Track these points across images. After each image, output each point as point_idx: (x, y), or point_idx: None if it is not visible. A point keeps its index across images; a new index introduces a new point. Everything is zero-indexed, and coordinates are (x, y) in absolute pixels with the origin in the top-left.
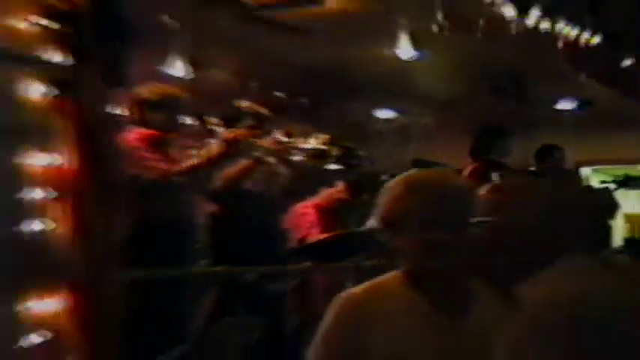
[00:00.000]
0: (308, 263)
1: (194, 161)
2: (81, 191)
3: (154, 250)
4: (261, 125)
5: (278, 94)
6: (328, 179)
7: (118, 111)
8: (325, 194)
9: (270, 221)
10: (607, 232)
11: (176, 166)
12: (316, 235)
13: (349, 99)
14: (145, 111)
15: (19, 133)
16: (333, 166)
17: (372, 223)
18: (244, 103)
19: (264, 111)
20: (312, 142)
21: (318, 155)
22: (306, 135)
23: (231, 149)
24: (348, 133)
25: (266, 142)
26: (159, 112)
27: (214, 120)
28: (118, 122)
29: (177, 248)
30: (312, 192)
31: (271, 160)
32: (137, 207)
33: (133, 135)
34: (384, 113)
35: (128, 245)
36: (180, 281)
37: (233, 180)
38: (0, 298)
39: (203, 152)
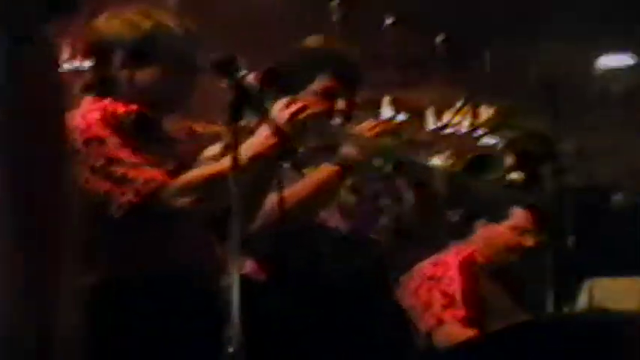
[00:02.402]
0: None
1: (214, 166)
2: None
3: (132, 339)
4: (352, 92)
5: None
6: (492, 203)
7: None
8: (485, 235)
9: (372, 294)
10: None
11: (178, 176)
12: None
13: (533, 34)
14: (120, 61)
15: None
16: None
17: None
18: (314, 40)
19: (357, 59)
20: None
21: (475, 161)
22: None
23: (292, 140)
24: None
25: (366, 126)
26: (147, 64)
27: (250, 77)
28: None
29: (178, 342)
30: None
31: (378, 167)
32: (101, 259)
33: (91, 113)
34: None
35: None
36: None
37: (297, 207)
38: None
39: (232, 146)
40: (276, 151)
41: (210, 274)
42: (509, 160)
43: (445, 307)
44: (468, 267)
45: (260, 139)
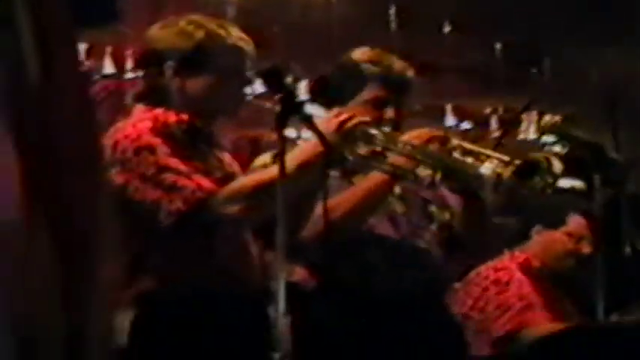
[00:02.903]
0: None
1: (262, 174)
2: None
3: (180, 347)
4: (400, 101)
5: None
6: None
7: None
8: (541, 241)
9: (423, 304)
10: None
11: (226, 185)
12: (541, 323)
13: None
14: (173, 71)
15: None
16: (565, 183)
17: None
18: (361, 52)
19: (405, 69)
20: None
21: (523, 168)
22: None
23: (339, 149)
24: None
25: (415, 135)
26: (199, 74)
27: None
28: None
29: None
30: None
31: (427, 175)
32: (147, 266)
33: (142, 122)
34: None
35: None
36: None
37: (346, 215)
38: None
39: (282, 154)
40: (322, 159)
41: (257, 282)
42: (557, 166)
43: (525, 309)
44: (529, 271)
45: (307, 147)
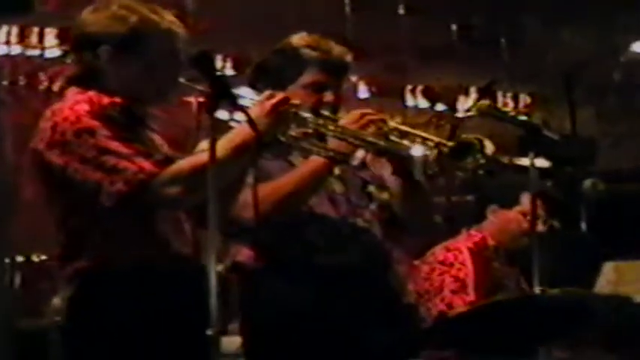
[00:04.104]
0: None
1: (201, 157)
2: None
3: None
4: (339, 84)
5: None
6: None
7: None
8: (497, 221)
9: (365, 281)
10: None
11: (167, 167)
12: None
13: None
14: (106, 55)
15: None
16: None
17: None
18: (299, 39)
19: (344, 53)
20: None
21: (457, 149)
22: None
23: (274, 129)
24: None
25: (352, 118)
26: (132, 58)
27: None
28: None
29: (167, 335)
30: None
31: (366, 157)
32: (85, 245)
33: (79, 105)
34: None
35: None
36: None
37: (285, 198)
38: None
39: (217, 138)
40: (254, 143)
41: (192, 259)
42: (489, 147)
43: (455, 292)
44: (480, 252)
45: (239, 131)
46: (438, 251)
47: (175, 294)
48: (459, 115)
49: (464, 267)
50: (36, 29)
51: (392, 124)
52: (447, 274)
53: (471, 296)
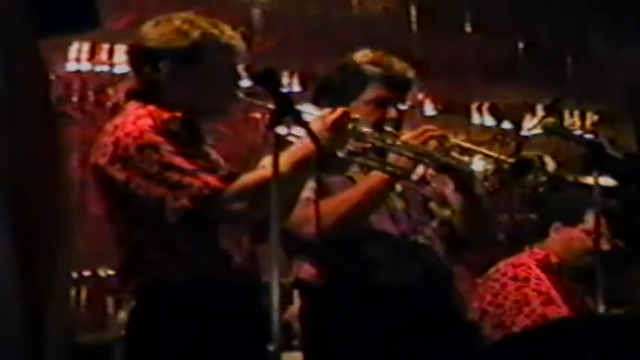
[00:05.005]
0: None
1: (263, 173)
2: None
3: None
4: (402, 100)
5: None
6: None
7: None
8: (560, 239)
9: (426, 299)
10: None
11: (232, 182)
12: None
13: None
14: (168, 69)
15: None
16: (587, 179)
17: None
18: (362, 55)
19: (405, 69)
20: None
21: (517, 166)
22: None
23: (334, 143)
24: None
25: (414, 133)
26: (193, 72)
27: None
28: None
29: (228, 349)
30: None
31: (427, 173)
32: (146, 259)
33: (142, 120)
34: None
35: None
36: None
37: (346, 214)
38: None
39: (277, 153)
40: (315, 158)
41: (252, 275)
42: (550, 165)
43: (545, 304)
44: (545, 269)
45: (300, 146)
46: (504, 268)
47: (236, 309)
48: (524, 133)
49: (541, 281)
50: (106, 46)
51: (453, 140)
52: (527, 288)
53: (564, 309)
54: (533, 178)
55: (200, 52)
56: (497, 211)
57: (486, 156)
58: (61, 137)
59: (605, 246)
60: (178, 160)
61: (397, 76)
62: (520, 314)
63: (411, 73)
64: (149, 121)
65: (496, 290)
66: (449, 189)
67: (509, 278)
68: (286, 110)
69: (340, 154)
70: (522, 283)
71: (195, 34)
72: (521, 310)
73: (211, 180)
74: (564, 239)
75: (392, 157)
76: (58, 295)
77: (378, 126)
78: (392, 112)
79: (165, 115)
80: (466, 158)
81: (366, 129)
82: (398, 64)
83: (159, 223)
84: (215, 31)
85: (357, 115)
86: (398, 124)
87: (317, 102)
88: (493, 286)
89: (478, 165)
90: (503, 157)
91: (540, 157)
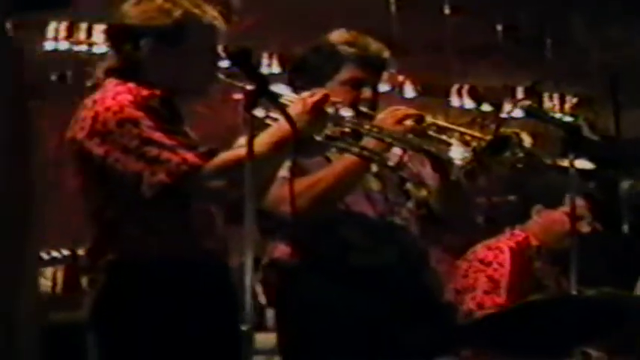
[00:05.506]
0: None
1: (242, 152)
2: None
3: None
4: (377, 81)
5: None
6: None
7: None
8: (541, 221)
9: (402, 279)
10: None
11: (211, 159)
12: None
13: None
14: (148, 47)
15: None
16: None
17: None
18: (337, 35)
19: (381, 50)
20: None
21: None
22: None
23: (314, 127)
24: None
25: (388, 114)
26: (174, 51)
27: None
28: None
29: (197, 329)
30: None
31: (398, 154)
32: (120, 235)
33: (122, 95)
34: None
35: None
36: None
37: (322, 193)
38: None
39: (256, 134)
40: (291, 140)
41: (225, 254)
42: (527, 140)
43: (487, 292)
44: (521, 251)
45: (277, 129)
46: (479, 249)
47: (205, 289)
48: (503, 115)
49: (501, 267)
50: (84, 25)
51: (429, 119)
52: (483, 272)
53: (502, 298)
54: (510, 155)
55: (182, 31)
56: (475, 193)
57: (463, 134)
58: (32, 118)
59: (585, 229)
60: (158, 136)
61: (372, 57)
62: (468, 297)
63: (386, 54)
64: (129, 97)
65: (464, 271)
66: (425, 168)
67: (478, 260)
68: (262, 92)
69: (318, 138)
70: (484, 267)
71: (178, 12)
72: (470, 293)
73: (190, 156)
74: (546, 221)
75: (366, 140)
76: (27, 280)
77: (353, 107)
78: (367, 93)
79: (145, 92)
80: (443, 137)
81: (346, 113)
82: (373, 45)
83: (135, 199)
84: (197, 11)
85: (337, 99)
86: (373, 105)
87: (292, 83)
88: (464, 266)
89: (456, 152)
90: (480, 135)
91: (517, 134)
